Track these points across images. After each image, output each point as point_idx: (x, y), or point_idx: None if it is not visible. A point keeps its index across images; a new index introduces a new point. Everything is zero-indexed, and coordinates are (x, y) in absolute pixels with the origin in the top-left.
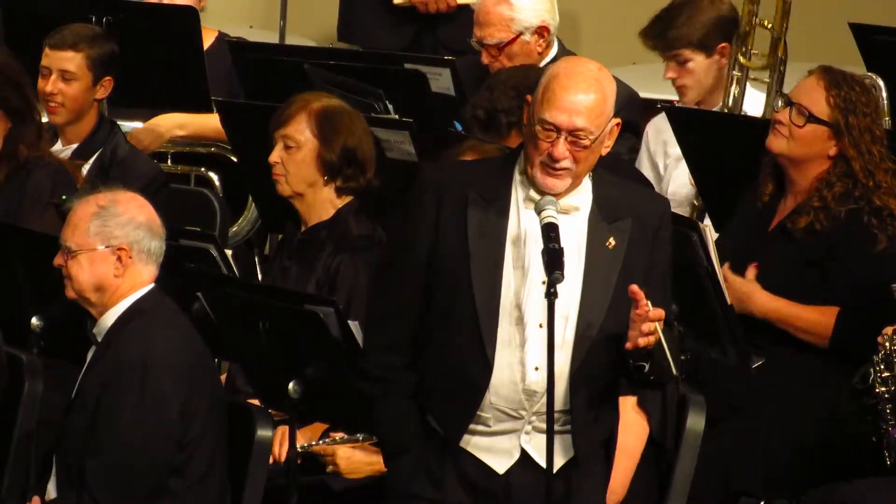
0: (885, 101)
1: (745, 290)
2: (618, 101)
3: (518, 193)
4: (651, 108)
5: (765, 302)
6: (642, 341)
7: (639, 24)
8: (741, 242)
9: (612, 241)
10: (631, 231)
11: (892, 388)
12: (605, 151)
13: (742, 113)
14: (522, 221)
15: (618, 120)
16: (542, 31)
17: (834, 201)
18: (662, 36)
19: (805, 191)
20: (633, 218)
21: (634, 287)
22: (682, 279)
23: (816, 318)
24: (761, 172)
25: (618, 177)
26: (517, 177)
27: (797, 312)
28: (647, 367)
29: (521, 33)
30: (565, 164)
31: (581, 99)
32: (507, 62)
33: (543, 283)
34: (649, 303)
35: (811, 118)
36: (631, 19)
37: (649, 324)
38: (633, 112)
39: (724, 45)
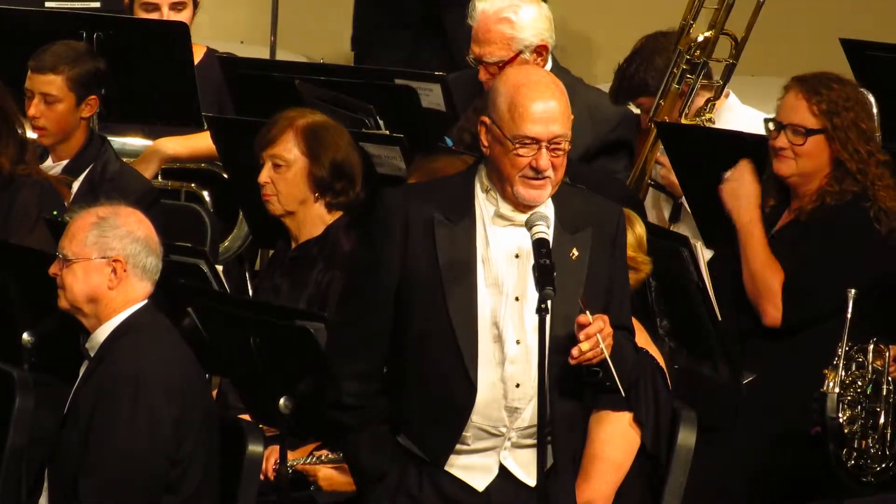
0: (876, 117)
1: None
2: (614, 119)
3: (484, 211)
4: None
5: (745, 222)
6: (575, 351)
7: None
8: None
9: (575, 251)
10: (592, 241)
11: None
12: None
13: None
14: (490, 239)
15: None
16: (541, 49)
17: (841, 192)
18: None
19: (811, 193)
20: (592, 227)
21: (580, 318)
22: (672, 295)
23: (769, 271)
24: (762, 188)
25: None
26: (480, 194)
27: (760, 251)
28: (600, 372)
29: (520, 52)
30: (548, 172)
31: (551, 105)
32: None
33: (517, 299)
34: (589, 315)
35: (808, 132)
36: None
37: (588, 341)
38: (630, 130)
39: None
